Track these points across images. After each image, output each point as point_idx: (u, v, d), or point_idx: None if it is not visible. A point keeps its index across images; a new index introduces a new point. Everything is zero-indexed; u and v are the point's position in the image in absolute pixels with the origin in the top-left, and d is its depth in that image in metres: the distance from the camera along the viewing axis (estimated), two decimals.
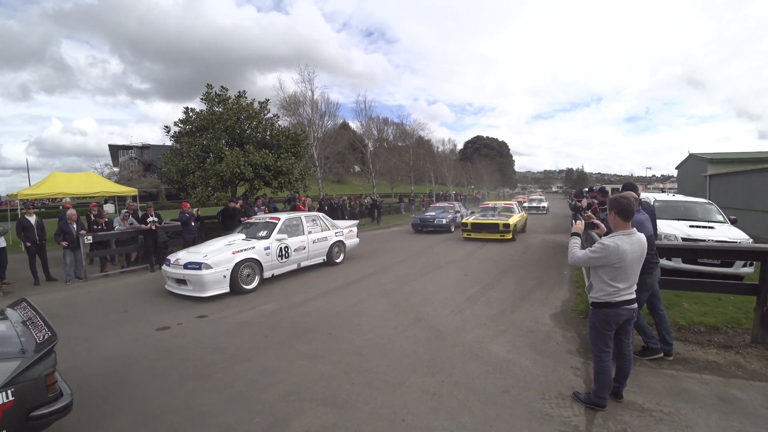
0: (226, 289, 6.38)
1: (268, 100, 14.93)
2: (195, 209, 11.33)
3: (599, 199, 6.69)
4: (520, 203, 22.15)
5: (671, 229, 7.26)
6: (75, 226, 7.99)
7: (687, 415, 2.88)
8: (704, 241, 6.76)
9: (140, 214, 10.18)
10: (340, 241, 9.30)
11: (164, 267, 6.80)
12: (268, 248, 7.22)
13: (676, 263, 6.52)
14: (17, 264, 8.62)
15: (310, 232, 8.41)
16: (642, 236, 2.86)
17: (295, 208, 13.65)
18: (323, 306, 5.90)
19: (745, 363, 3.68)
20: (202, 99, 13.80)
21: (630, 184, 4.38)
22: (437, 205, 18.90)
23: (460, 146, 74.27)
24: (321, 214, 9.43)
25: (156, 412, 3.12)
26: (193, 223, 9.34)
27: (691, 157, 20.23)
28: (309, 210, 13.73)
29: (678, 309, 5.00)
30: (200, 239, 9.03)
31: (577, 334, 4.52)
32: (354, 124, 35.99)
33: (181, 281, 6.36)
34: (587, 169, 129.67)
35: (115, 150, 53.67)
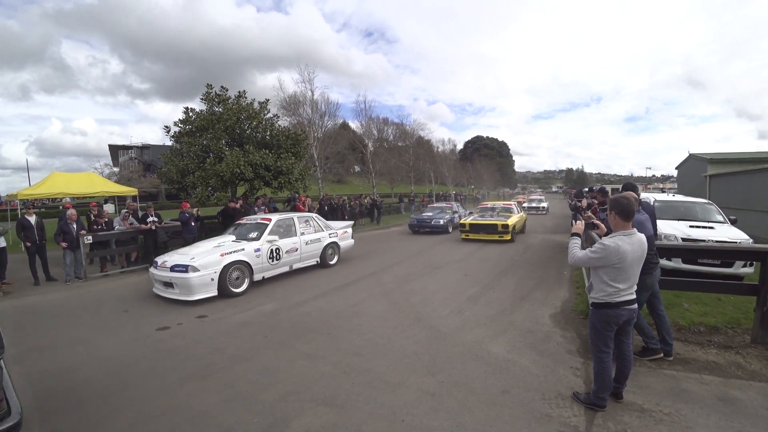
0: (214, 293, 6.21)
1: (268, 100, 14.95)
2: (195, 209, 11.32)
3: (599, 200, 6.70)
4: (519, 203, 22.10)
5: (671, 229, 7.25)
6: (75, 226, 7.99)
7: (687, 415, 2.88)
8: (704, 241, 6.76)
9: (140, 214, 10.19)
10: (334, 243, 9.11)
11: (151, 269, 6.63)
12: (258, 250, 7.03)
13: (676, 263, 6.52)
14: (17, 264, 8.61)
15: (302, 234, 8.23)
16: (642, 236, 2.86)
17: (294, 209, 13.65)
18: (323, 306, 5.90)
19: (745, 363, 3.68)
20: (202, 99, 13.81)
21: (630, 184, 4.38)
22: (435, 205, 18.68)
23: (460, 146, 74.33)
24: (314, 215, 9.25)
25: (156, 412, 3.12)
26: (193, 223, 9.35)
27: (691, 157, 20.22)
28: (309, 210, 13.75)
29: (678, 309, 5.00)
30: (200, 239, 9.01)
31: (577, 334, 4.52)
32: (354, 124, 36.03)
33: (168, 284, 6.19)
34: (587, 169, 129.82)
35: (115, 150, 53.65)
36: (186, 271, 6.03)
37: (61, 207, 22.86)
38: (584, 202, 8.40)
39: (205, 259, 6.26)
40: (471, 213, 15.94)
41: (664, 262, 5.95)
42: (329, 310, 5.68)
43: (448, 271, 8.18)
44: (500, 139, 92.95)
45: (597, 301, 2.91)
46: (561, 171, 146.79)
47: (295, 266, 8.07)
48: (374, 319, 5.25)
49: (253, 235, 7.40)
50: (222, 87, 14.06)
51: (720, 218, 8.02)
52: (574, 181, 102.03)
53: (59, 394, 3.45)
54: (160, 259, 6.62)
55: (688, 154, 20.91)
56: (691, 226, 7.40)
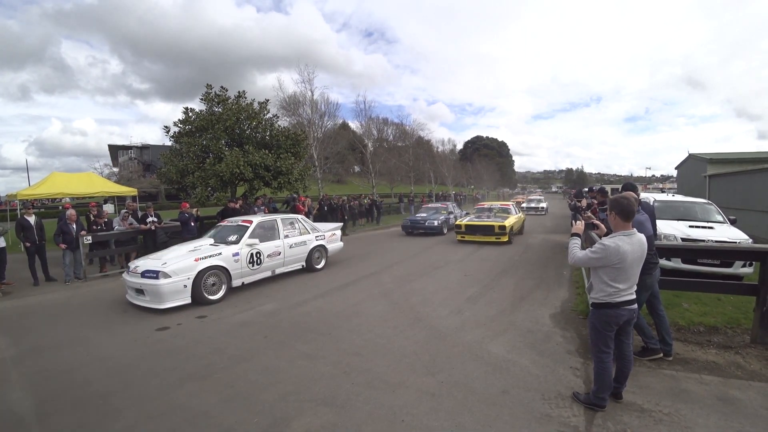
0: (187, 300, 5.85)
1: (267, 100, 14.94)
2: (194, 209, 11.32)
3: (599, 200, 6.70)
4: (518, 204, 22.03)
5: (671, 229, 7.26)
6: (74, 227, 7.98)
7: (686, 415, 2.88)
8: (704, 241, 6.76)
9: (140, 214, 10.19)
10: (321, 246, 8.72)
11: (124, 275, 6.28)
12: (236, 254, 6.65)
13: (676, 263, 6.53)
14: (17, 264, 8.62)
15: (286, 236, 7.85)
16: (642, 237, 2.86)
17: (294, 209, 13.65)
18: (323, 306, 5.90)
19: (744, 363, 3.69)
20: (201, 99, 13.80)
21: (629, 184, 4.38)
22: (429, 205, 18.18)
23: (459, 146, 74.43)
24: (300, 217, 8.87)
25: (156, 412, 3.12)
26: (192, 224, 9.34)
27: (691, 158, 20.24)
28: (309, 211, 13.75)
29: (677, 309, 5.00)
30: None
31: (577, 334, 4.52)
32: (354, 124, 36.02)
33: (140, 291, 5.82)
34: (587, 169, 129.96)
35: (114, 150, 53.63)
36: (156, 278, 5.65)
37: (60, 207, 22.82)
38: (584, 202, 8.41)
39: (178, 264, 5.88)
40: (467, 214, 15.62)
41: (663, 262, 5.96)
42: (329, 310, 5.68)
43: (448, 272, 8.18)
44: (500, 139, 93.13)
45: (597, 301, 2.91)
46: (561, 171, 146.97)
47: (278, 271, 7.69)
48: (374, 319, 5.25)
49: (233, 238, 7.02)
50: (222, 87, 14.05)
51: (719, 218, 8.03)
52: (573, 181, 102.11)
53: (59, 394, 3.45)
54: (133, 264, 6.32)
55: (687, 154, 20.93)
56: (690, 226, 7.41)
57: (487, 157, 72.73)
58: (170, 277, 5.69)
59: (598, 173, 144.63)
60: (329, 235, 9.08)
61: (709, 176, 15.51)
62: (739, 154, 18.61)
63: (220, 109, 13.49)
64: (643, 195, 8.55)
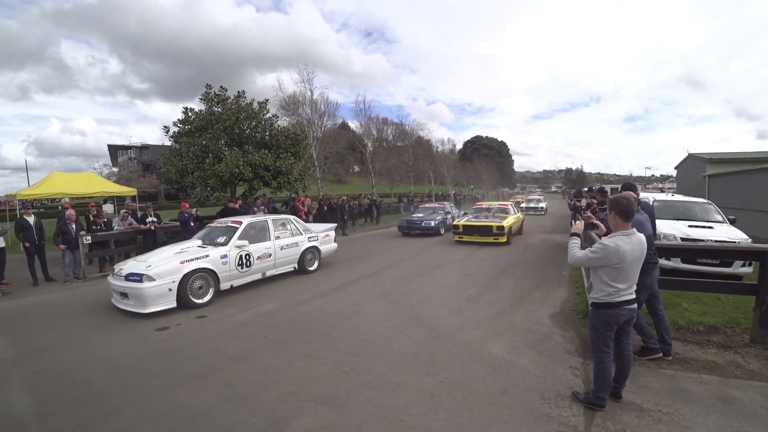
0: (173, 304, 5.67)
1: (267, 100, 14.96)
2: (194, 209, 11.34)
3: (598, 199, 6.70)
4: (517, 204, 21.96)
5: (670, 229, 7.26)
6: (74, 227, 7.97)
7: (686, 415, 2.88)
8: (703, 241, 6.77)
9: (139, 214, 10.19)
10: (314, 247, 8.47)
11: (109, 278, 6.09)
12: (225, 256, 6.44)
13: (675, 263, 6.53)
14: (16, 264, 8.61)
15: (277, 238, 7.62)
16: (642, 236, 2.86)
17: (294, 209, 13.66)
18: (322, 306, 5.90)
19: (743, 363, 3.69)
20: (201, 99, 13.81)
21: (629, 184, 4.38)
22: (426, 205, 17.95)
23: (459, 146, 74.54)
24: (292, 217, 8.63)
25: (156, 412, 3.12)
26: (192, 224, 9.33)
27: (690, 157, 20.24)
28: (308, 210, 13.75)
29: (677, 309, 5.00)
30: None
31: (576, 334, 4.52)
32: (353, 124, 35.98)
33: (125, 294, 5.64)
34: (586, 169, 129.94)
35: (114, 150, 53.64)
36: (140, 281, 5.48)
37: (60, 207, 22.82)
38: (583, 202, 8.41)
39: (163, 267, 5.71)
40: (465, 214, 15.47)
41: (663, 261, 5.96)
42: (329, 310, 5.68)
43: (447, 271, 8.19)
44: (500, 139, 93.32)
45: (597, 301, 2.91)
46: (560, 171, 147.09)
47: (269, 273, 7.45)
48: (374, 319, 5.25)
49: (221, 239, 6.82)
50: (221, 87, 14.06)
51: (719, 218, 8.03)
52: (573, 181, 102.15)
53: (59, 394, 3.44)
54: (117, 267, 6.15)
55: (687, 154, 20.93)
56: (690, 226, 7.42)
57: (487, 156, 72.80)
58: (154, 280, 5.51)
59: (598, 173, 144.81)
60: (322, 236, 8.86)
61: (708, 176, 15.51)
62: (739, 154, 18.61)
63: (219, 109, 13.49)
64: (643, 195, 8.56)
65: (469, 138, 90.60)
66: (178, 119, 13.68)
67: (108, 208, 17.46)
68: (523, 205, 25.56)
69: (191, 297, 5.88)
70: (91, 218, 9.25)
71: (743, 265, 6.34)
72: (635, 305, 2.91)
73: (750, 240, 7.03)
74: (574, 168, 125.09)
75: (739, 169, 13.30)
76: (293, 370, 3.80)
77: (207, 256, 6.23)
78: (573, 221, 3.81)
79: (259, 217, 7.86)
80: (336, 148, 24.68)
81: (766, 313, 3.95)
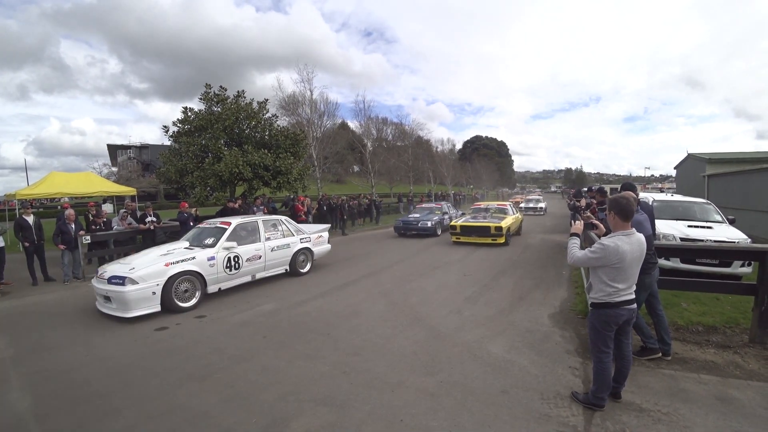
0: (156, 308, 5.51)
1: (267, 99, 14.94)
2: (194, 209, 11.32)
3: (598, 199, 6.70)
4: (516, 204, 21.88)
5: (670, 229, 7.27)
6: (73, 226, 7.97)
7: (685, 415, 2.89)
8: (702, 241, 6.77)
9: (139, 214, 10.18)
10: (307, 249, 8.25)
11: (92, 281, 5.91)
12: (212, 258, 6.26)
13: (675, 263, 6.54)
14: (15, 264, 8.60)
15: (268, 239, 7.42)
16: (641, 236, 2.87)
17: (293, 209, 13.66)
18: (322, 306, 5.90)
19: (743, 363, 3.69)
20: (200, 99, 13.79)
21: (628, 184, 4.39)
22: (423, 205, 17.68)
23: (459, 146, 74.61)
24: (284, 218, 8.40)
25: (155, 412, 3.12)
26: (191, 224, 9.31)
27: (690, 157, 20.26)
28: (308, 210, 13.75)
29: (676, 309, 5.01)
30: None
31: (576, 334, 4.53)
32: (353, 124, 35.95)
33: (108, 298, 5.48)
34: (586, 169, 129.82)
35: (113, 150, 53.58)
36: (122, 284, 5.30)
37: (59, 207, 22.80)
38: (583, 202, 8.42)
39: (147, 269, 5.54)
40: (463, 214, 15.35)
41: (662, 261, 5.96)
42: (328, 310, 5.68)
43: (447, 271, 8.19)
44: (499, 139, 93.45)
45: (596, 301, 2.92)
46: (560, 171, 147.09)
47: (259, 276, 7.25)
48: (373, 319, 5.26)
49: (209, 241, 6.64)
50: (221, 87, 14.05)
51: (718, 218, 8.04)
52: (573, 181, 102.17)
53: (58, 394, 3.44)
54: (101, 269, 6.00)
55: (686, 154, 20.95)
56: (689, 226, 7.42)
57: (487, 156, 72.82)
58: (137, 283, 5.34)
59: (597, 173, 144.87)
60: (315, 237, 8.63)
61: (707, 176, 15.53)
62: (738, 154, 18.64)
63: (219, 109, 13.48)
64: (642, 195, 8.57)
65: (468, 138, 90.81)
66: (178, 119, 13.67)
67: (107, 207, 17.44)
68: (522, 205, 25.36)
69: (176, 300, 5.71)
70: (91, 218, 9.25)
71: (742, 265, 6.35)
72: (635, 305, 2.92)
73: (749, 240, 7.04)
74: (573, 168, 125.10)
75: (739, 169, 13.32)
76: (293, 370, 3.81)
77: (193, 258, 6.06)
78: (572, 221, 3.80)
79: (248, 218, 7.63)
80: (335, 148, 24.65)
81: (765, 313, 3.95)
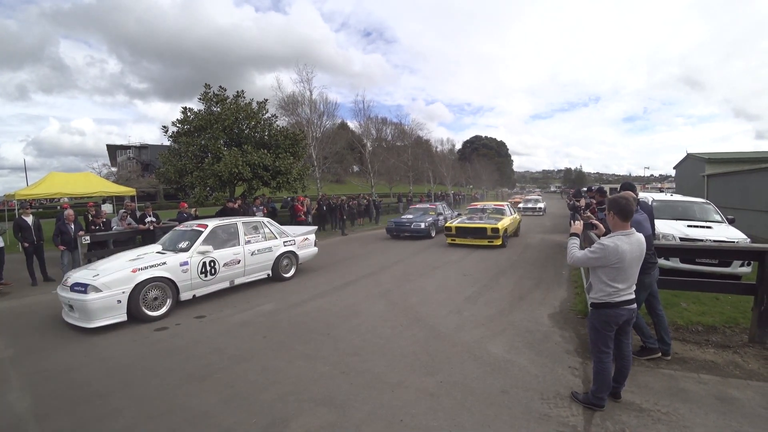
0: (122, 318, 5.13)
1: (266, 100, 14.97)
2: (193, 209, 11.33)
3: (597, 199, 6.71)
4: (515, 204, 21.72)
5: (669, 228, 7.28)
6: (72, 227, 7.96)
7: (685, 414, 2.89)
8: (702, 240, 6.78)
9: (138, 214, 10.18)
10: (291, 252, 7.83)
11: (58, 288, 5.56)
12: (185, 263, 5.89)
13: (674, 263, 6.54)
14: (15, 264, 8.59)
15: (248, 242, 7.05)
16: (641, 236, 2.87)
17: (293, 209, 13.67)
18: (322, 306, 5.90)
19: (742, 363, 3.70)
20: (200, 99, 13.81)
21: (628, 183, 4.39)
22: (417, 206, 17.05)
23: (458, 146, 74.72)
24: (266, 220, 8.00)
25: (155, 412, 3.12)
26: None
27: (689, 157, 20.28)
28: (308, 210, 13.74)
29: (676, 309, 5.02)
30: None
31: (576, 334, 4.53)
32: (353, 124, 35.92)
33: (72, 306, 5.13)
34: (585, 169, 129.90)
35: (113, 150, 53.57)
36: (84, 292, 4.94)
37: (58, 207, 22.79)
38: (582, 202, 8.42)
39: (112, 276, 5.16)
40: (459, 215, 14.95)
41: (662, 261, 5.97)
42: (328, 310, 5.68)
43: (447, 271, 8.19)
44: (499, 139, 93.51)
45: (596, 301, 2.92)
46: (559, 171, 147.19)
47: (238, 281, 6.87)
48: (373, 319, 5.26)
49: (183, 244, 6.27)
50: (220, 87, 14.06)
51: (718, 218, 8.05)
52: (572, 181, 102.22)
53: (58, 394, 3.44)
54: (66, 275, 5.69)
55: (686, 154, 20.97)
56: (689, 226, 7.43)
57: (486, 156, 72.83)
58: (101, 291, 4.97)
59: (597, 173, 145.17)
60: (301, 240, 8.19)
61: (707, 176, 15.55)
62: (738, 154, 18.66)
63: (218, 109, 13.49)
64: (642, 195, 8.57)
65: (468, 138, 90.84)
66: (177, 119, 13.69)
67: (107, 208, 17.43)
68: (520, 205, 25.02)
69: (144, 309, 5.35)
70: (90, 218, 9.25)
71: (742, 265, 6.35)
72: (635, 305, 2.92)
73: (748, 240, 7.05)
74: (573, 168, 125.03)
75: (738, 169, 13.33)
76: (293, 370, 3.80)
77: (164, 263, 5.71)
78: (572, 221, 3.80)
79: (227, 220, 7.22)
80: (335, 148, 24.62)
81: (764, 312, 3.96)
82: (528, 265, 8.60)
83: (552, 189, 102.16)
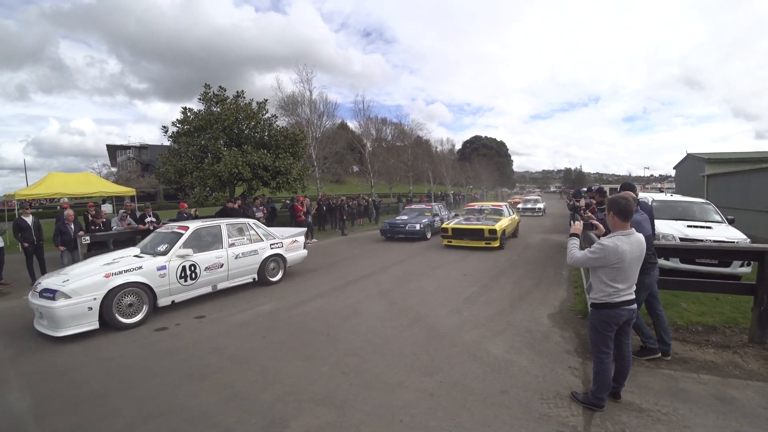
0: (94, 326, 4.85)
1: (266, 100, 14.97)
2: (193, 210, 11.33)
3: (597, 200, 6.71)
4: (514, 204, 21.56)
5: (669, 229, 7.28)
6: (72, 227, 7.96)
7: (685, 415, 2.89)
8: (702, 241, 6.78)
9: (138, 214, 10.17)
10: (278, 255, 7.54)
11: (29, 295, 5.30)
12: (163, 268, 5.63)
13: (674, 263, 6.54)
14: (15, 264, 8.59)
15: (232, 245, 6.75)
16: (641, 236, 2.87)
17: (293, 209, 13.66)
18: (321, 306, 5.90)
19: (742, 363, 3.70)
20: (199, 99, 13.81)
21: (628, 184, 4.39)
22: (412, 207, 16.58)
23: (458, 146, 74.75)
24: (252, 221, 7.69)
25: (155, 412, 3.12)
26: None
27: (689, 157, 20.28)
28: (308, 210, 13.74)
29: (676, 309, 5.01)
30: None
31: (576, 334, 4.53)
32: (352, 124, 35.90)
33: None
34: (585, 169, 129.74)
35: (113, 150, 53.59)
36: (52, 298, 4.69)
37: (58, 207, 22.79)
38: (582, 202, 8.42)
39: (82, 281, 4.89)
40: (456, 215, 14.71)
41: (662, 261, 5.97)
42: (328, 310, 5.68)
43: (446, 272, 8.19)
44: (499, 139, 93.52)
45: (596, 301, 2.91)
46: (559, 171, 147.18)
47: (221, 286, 6.58)
48: (372, 319, 5.25)
49: (162, 248, 6.02)
50: (220, 87, 14.06)
51: (718, 218, 8.05)
52: (572, 181, 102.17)
53: (58, 394, 3.44)
54: (38, 280, 5.46)
55: (685, 154, 20.98)
56: (689, 226, 7.43)
57: (486, 156, 72.85)
58: (70, 297, 4.70)
59: (597, 173, 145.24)
60: (289, 242, 7.86)
61: (707, 176, 15.55)
62: (737, 154, 18.66)
63: (218, 109, 13.50)
64: (642, 195, 8.58)
65: (468, 138, 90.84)
66: (177, 119, 13.69)
67: (107, 208, 17.45)
68: (519, 206, 24.79)
69: (118, 316, 5.06)
70: (90, 218, 9.24)
71: (742, 265, 6.35)
72: (635, 305, 2.91)
73: (748, 240, 7.05)
74: (573, 168, 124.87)
75: (738, 169, 13.33)
76: (292, 370, 3.80)
77: (140, 267, 5.43)
78: (572, 221, 3.80)
79: (210, 222, 6.89)
80: (335, 148, 24.62)
81: (764, 313, 3.95)
82: (528, 265, 8.60)
83: (552, 189, 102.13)
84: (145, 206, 11.79)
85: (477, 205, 14.21)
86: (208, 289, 6.39)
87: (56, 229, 7.89)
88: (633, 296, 2.88)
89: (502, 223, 11.38)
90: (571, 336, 4.47)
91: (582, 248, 3.11)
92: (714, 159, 16.81)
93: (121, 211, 10.33)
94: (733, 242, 6.71)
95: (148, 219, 9.41)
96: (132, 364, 4.02)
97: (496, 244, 10.74)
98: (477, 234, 10.95)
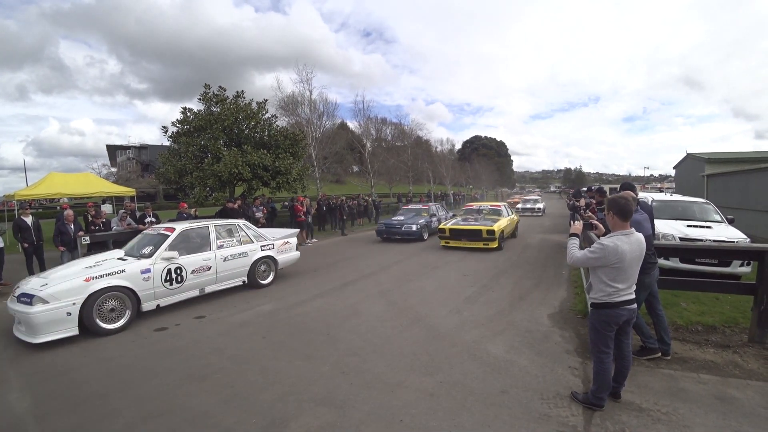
0: (73, 332, 4.67)
1: (266, 100, 14.97)
2: (193, 210, 11.32)
3: (597, 199, 6.71)
4: (513, 204, 21.48)
5: (669, 228, 7.28)
6: (72, 227, 7.96)
7: (685, 414, 2.89)
8: (702, 240, 6.78)
9: (138, 214, 10.18)
10: (269, 257, 7.33)
11: (8, 300, 5.08)
12: (147, 271, 5.44)
13: (674, 263, 6.54)
14: (15, 264, 8.60)
15: (221, 247, 6.56)
16: (641, 236, 2.87)
17: (293, 209, 13.66)
18: (321, 306, 5.90)
19: (742, 362, 3.70)
20: (199, 99, 13.81)
21: (628, 183, 4.38)
22: (409, 207, 16.27)
23: (458, 146, 74.74)
24: (242, 222, 7.46)
25: (155, 412, 3.12)
26: None
27: (689, 157, 20.29)
28: (308, 210, 13.74)
29: (676, 309, 5.02)
30: None
31: (575, 334, 4.53)
32: (352, 124, 35.87)
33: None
34: (585, 169, 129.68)
35: (112, 150, 53.58)
36: (30, 303, 4.51)
37: (58, 207, 22.79)
38: (582, 202, 8.42)
39: (60, 286, 4.70)
40: (454, 215, 14.54)
41: (662, 261, 5.97)
42: (328, 310, 5.68)
43: (446, 272, 8.19)
44: (498, 139, 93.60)
45: (596, 301, 2.91)
46: (559, 171, 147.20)
47: (210, 289, 6.38)
48: (372, 319, 5.25)
49: (146, 250, 5.82)
50: (220, 87, 14.06)
51: (717, 218, 8.05)
52: (572, 181, 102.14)
53: (57, 394, 3.44)
54: (17, 284, 5.24)
55: (685, 154, 20.98)
56: (688, 226, 7.43)
57: (486, 156, 72.86)
58: (47, 302, 4.52)
59: (597, 173, 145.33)
60: (280, 244, 7.64)
61: (707, 176, 15.55)
62: (737, 154, 18.66)
63: (218, 109, 13.50)
64: (642, 194, 8.58)
65: (468, 138, 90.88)
66: (177, 119, 13.70)
67: (106, 208, 17.45)
68: (519, 206, 24.67)
69: (98, 321, 4.88)
70: (90, 218, 9.24)
71: (741, 265, 6.35)
72: (635, 305, 2.91)
73: (748, 240, 7.05)
74: (573, 168, 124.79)
75: (738, 168, 13.33)
76: (292, 370, 3.80)
77: (123, 271, 5.24)
78: (572, 221, 3.80)
79: (197, 224, 6.71)
80: (335, 148, 24.61)
81: (764, 312, 3.95)
82: (528, 265, 8.60)
83: (552, 189, 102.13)
84: (144, 206, 11.79)
85: (475, 205, 14.04)
86: (195, 293, 6.21)
87: (56, 230, 7.89)
88: (633, 296, 2.88)
89: (501, 224, 11.21)
90: (571, 336, 4.47)
91: (582, 248, 3.11)
92: (714, 159, 16.81)
93: (121, 211, 10.33)
94: (733, 242, 6.71)
95: (148, 219, 9.41)
96: (132, 364, 4.03)
97: (495, 245, 10.56)
98: (475, 235, 10.74)
